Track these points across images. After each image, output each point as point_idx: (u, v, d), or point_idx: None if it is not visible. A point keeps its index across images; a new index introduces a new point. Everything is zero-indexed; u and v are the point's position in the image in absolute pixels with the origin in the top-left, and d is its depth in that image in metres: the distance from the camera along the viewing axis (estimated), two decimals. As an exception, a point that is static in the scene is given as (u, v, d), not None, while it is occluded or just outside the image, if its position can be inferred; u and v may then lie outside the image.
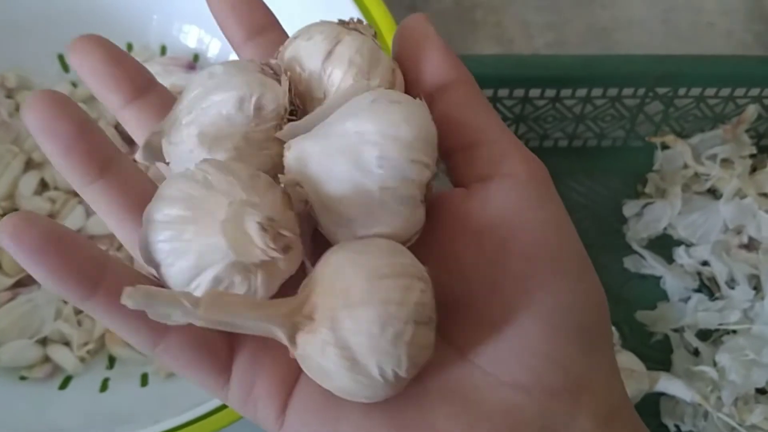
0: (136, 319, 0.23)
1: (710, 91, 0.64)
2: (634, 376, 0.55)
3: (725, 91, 0.64)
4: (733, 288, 0.60)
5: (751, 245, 0.62)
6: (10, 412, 0.48)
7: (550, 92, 0.63)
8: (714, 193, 0.65)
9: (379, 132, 0.22)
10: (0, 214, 0.54)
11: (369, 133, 0.22)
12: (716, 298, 0.61)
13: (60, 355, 0.52)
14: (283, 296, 0.23)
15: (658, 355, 0.59)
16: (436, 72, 0.26)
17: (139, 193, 0.25)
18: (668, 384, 0.55)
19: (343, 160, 0.23)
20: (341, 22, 0.26)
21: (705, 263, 0.62)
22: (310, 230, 0.25)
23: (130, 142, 0.56)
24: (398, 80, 0.26)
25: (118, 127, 0.57)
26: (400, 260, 0.22)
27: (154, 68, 0.60)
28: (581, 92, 0.63)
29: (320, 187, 0.23)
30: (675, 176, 0.65)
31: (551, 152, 0.68)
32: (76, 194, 0.57)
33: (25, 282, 0.54)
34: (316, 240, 0.25)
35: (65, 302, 0.53)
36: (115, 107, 0.27)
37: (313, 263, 0.23)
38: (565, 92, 0.63)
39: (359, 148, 0.22)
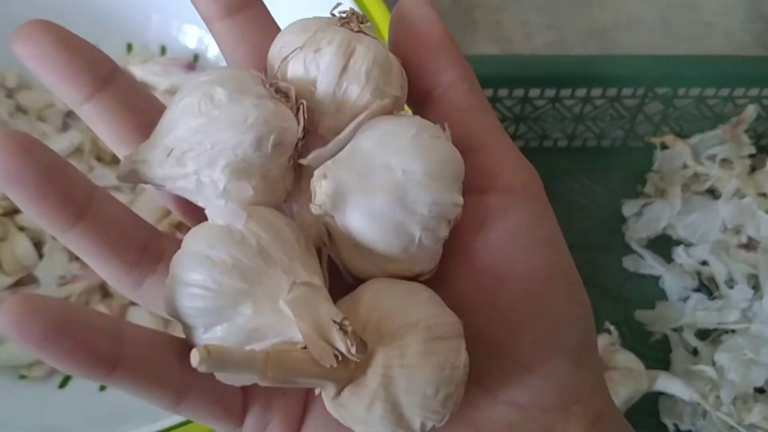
0: (158, 386, 0.22)
1: (710, 91, 0.64)
2: (633, 375, 0.55)
3: (724, 91, 0.65)
4: (732, 287, 0.60)
5: (750, 245, 0.62)
6: (10, 411, 0.48)
7: (550, 92, 0.63)
8: (713, 193, 0.65)
9: (427, 173, 0.22)
10: (0, 213, 0.54)
11: (415, 172, 0.22)
12: (715, 298, 0.61)
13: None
14: None
15: (657, 354, 0.59)
16: (438, 70, 0.25)
17: (122, 230, 0.24)
18: (667, 383, 0.55)
19: (387, 198, 0.22)
20: (341, 20, 0.24)
21: (704, 263, 0.62)
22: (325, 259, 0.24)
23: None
24: (404, 80, 0.25)
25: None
26: (448, 318, 0.22)
27: (153, 68, 0.60)
28: (581, 92, 0.63)
29: (355, 222, 0.22)
30: (674, 176, 0.65)
31: (551, 152, 0.68)
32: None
33: (24, 281, 0.54)
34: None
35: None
36: (75, 102, 0.24)
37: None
38: (565, 92, 0.63)
39: (406, 187, 0.22)
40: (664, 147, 0.66)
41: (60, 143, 0.57)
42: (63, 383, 0.51)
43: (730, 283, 0.61)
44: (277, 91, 0.23)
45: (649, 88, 0.64)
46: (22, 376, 0.51)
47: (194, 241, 0.22)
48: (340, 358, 0.20)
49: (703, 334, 0.60)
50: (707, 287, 0.62)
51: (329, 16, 0.25)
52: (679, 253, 0.63)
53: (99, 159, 0.58)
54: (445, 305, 0.23)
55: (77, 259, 0.45)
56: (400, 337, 0.21)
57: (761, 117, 0.66)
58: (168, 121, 0.23)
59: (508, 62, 0.65)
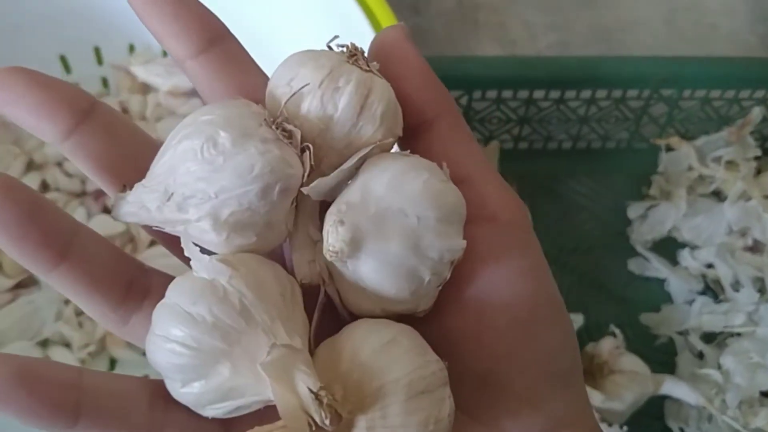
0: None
1: (715, 93, 0.64)
2: (639, 379, 0.54)
3: (730, 93, 0.64)
4: (737, 291, 0.60)
5: (755, 248, 0.62)
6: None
7: (555, 94, 0.63)
8: (719, 196, 0.65)
9: (439, 219, 0.22)
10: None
11: (429, 219, 0.22)
12: (721, 301, 0.60)
13: (60, 356, 0.52)
14: None
15: (662, 357, 0.59)
16: (421, 106, 0.25)
17: (107, 268, 0.23)
18: (673, 387, 0.55)
19: (402, 244, 0.22)
20: (349, 56, 0.24)
21: (710, 266, 0.62)
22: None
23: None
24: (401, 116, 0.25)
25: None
26: (430, 368, 0.22)
27: (155, 69, 0.60)
28: (585, 94, 0.63)
29: (369, 267, 0.22)
30: (679, 178, 0.65)
31: (555, 154, 0.68)
32: (78, 195, 0.57)
33: (25, 283, 0.54)
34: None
35: (66, 304, 0.53)
36: (57, 139, 0.23)
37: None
38: (570, 94, 0.63)
39: (420, 233, 0.22)
40: (669, 149, 0.66)
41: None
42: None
43: (736, 286, 0.61)
44: (282, 131, 0.22)
45: (654, 89, 0.63)
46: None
47: (177, 294, 0.22)
48: (314, 428, 0.20)
49: (709, 338, 0.59)
50: (713, 290, 0.62)
51: (335, 50, 0.25)
52: (685, 256, 0.62)
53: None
54: (427, 352, 0.22)
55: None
56: (381, 397, 0.21)
57: (767, 119, 0.66)
58: (167, 163, 0.22)
59: (512, 63, 0.65)
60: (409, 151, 0.24)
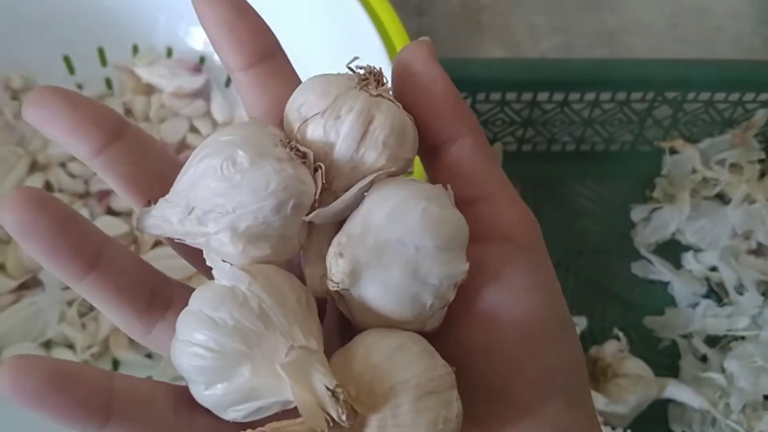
0: None
1: (719, 96, 0.64)
2: (642, 382, 0.54)
3: (734, 96, 0.64)
4: (741, 294, 0.60)
5: (759, 251, 0.62)
6: (12, 415, 0.48)
7: (559, 96, 0.63)
8: (722, 198, 0.65)
9: (438, 247, 0.23)
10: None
11: (427, 247, 0.23)
12: (725, 304, 0.60)
13: (64, 358, 0.51)
14: None
15: (666, 361, 0.59)
16: (444, 126, 0.26)
17: (133, 279, 0.25)
18: (676, 390, 0.55)
19: (401, 273, 0.23)
20: (360, 81, 0.25)
21: (713, 269, 0.62)
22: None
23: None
24: (416, 139, 0.26)
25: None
26: (438, 371, 0.23)
27: (160, 70, 0.60)
28: (590, 96, 0.63)
29: (371, 294, 0.23)
30: (683, 181, 0.65)
31: (559, 156, 0.68)
32: (81, 196, 0.57)
33: (28, 285, 0.54)
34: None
35: (69, 305, 0.53)
36: (88, 157, 0.25)
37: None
38: (574, 96, 0.63)
39: (419, 262, 0.23)
40: (673, 151, 0.66)
41: (65, 145, 0.57)
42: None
43: (740, 289, 0.60)
44: (296, 152, 0.24)
45: (658, 92, 0.63)
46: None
47: (200, 301, 0.23)
48: (331, 424, 0.21)
49: (713, 341, 0.59)
50: (717, 293, 0.62)
51: (349, 73, 0.25)
52: (689, 259, 0.62)
53: (104, 161, 0.58)
54: (435, 357, 0.23)
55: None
56: (392, 397, 0.22)
57: (771, 122, 0.66)
58: (189, 180, 0.24)
59: (516, 66, 0.65)
60: (427, 168, 0.25)
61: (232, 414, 0.23)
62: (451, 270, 0.23)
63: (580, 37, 0.76)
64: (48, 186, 0.57)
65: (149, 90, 0.61)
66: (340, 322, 0.26)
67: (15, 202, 0.22)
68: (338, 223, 0.25)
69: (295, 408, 0.22)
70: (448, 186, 0.25)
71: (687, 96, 0.64)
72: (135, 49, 0.62)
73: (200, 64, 0.62)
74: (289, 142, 0.24)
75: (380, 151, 0.24)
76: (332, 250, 0.23)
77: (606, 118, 0.65)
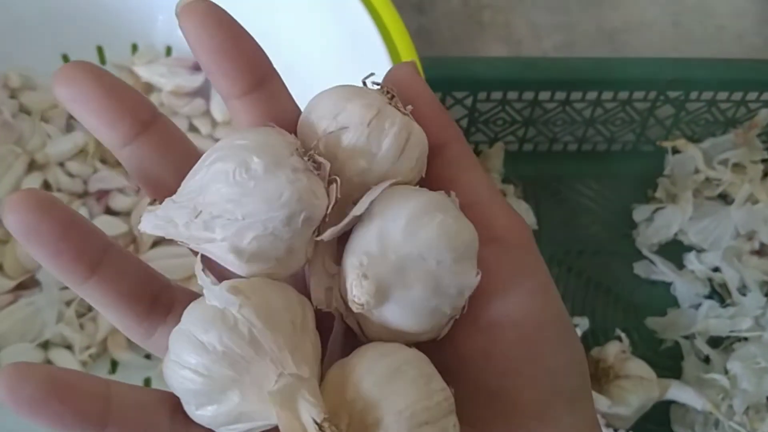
0: None
1: (722, 95, 0.64)
2: (645, 383, 0.54)
3: (737, 95, 0.64)
4: (744, 295, 0.60)
5: (762, 251, 0.62)
6: (11, 417, 0.48)
7: (560, 95, 0.62)
8: (725, 199, 0.64)
9: (456, 260, 0.23)
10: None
11: (446, 261, 0.23)
12: (727, 305, 0.60)
13: (62, 359, 0.51)
14: None
15: (668, 362, 0.59)
16: (431, 135, 0.26)
17: (134, 283, 0.25)
18: (679, 392, 0.55)
19: (423, 288, 0.23)
20: (391, 97, 0.25)
21: (716, 269, 0.62)
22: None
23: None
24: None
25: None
26: (435, 399, 0.23)
27: (159, 69, 0.60)
28: (591, 95, 0.63)
29: (393, 313, 0.23)
30: (686, 181, 0.64)
31: (560, 156, 0.68)
32: (80, 196, 0.57)
33: (26, 284, 0.53)
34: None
35: (67, 305, 0.53)
36: (115, 146, 0.25)
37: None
38: (575, 95, 0.63)
39: (439, 275, 0.23)
40: (675, 151, 0.66)
41: (64, 144, 0.57)
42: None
43: (743, 290, 0.60)
44: (313, 162, 0.23)
45: (660, 91, 0.63)
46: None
47: (191, 321, 0.23)
48: None
49: (716, 342, 0.59)
50: (719, 294, 0.61)
51: (374, 88, 0.26)
52: (691, 260, 0.62)
53: (103, 161, 0.57)
54: (433, 381, 0.23)
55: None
56: (384, 428, 0.22)
57: (775, 121, 0.65)
58: (198, 182, 0.23)
59: (517, 64, 0.65)
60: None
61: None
62: (468, 280, 0.24)
63: (582, 35, 0.76)
64: (46, 185, 0.56)
65: (148, 89, 0.61)
66: (346, 336, 0.26)
67: (18, 204, 0.22)
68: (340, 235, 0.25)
69: None
70: (452, 193, 0.25)
71: (689, 95, 0.64)
72: (134, 48, 0.62)
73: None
74: (305, 152, 0.23)
75: (412, 166, 0.25)
76: (354, 271, 0.23)
77: (608, 117, 0.65)
